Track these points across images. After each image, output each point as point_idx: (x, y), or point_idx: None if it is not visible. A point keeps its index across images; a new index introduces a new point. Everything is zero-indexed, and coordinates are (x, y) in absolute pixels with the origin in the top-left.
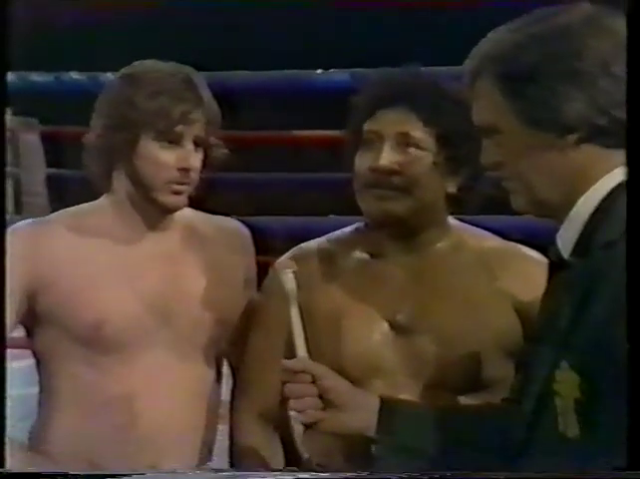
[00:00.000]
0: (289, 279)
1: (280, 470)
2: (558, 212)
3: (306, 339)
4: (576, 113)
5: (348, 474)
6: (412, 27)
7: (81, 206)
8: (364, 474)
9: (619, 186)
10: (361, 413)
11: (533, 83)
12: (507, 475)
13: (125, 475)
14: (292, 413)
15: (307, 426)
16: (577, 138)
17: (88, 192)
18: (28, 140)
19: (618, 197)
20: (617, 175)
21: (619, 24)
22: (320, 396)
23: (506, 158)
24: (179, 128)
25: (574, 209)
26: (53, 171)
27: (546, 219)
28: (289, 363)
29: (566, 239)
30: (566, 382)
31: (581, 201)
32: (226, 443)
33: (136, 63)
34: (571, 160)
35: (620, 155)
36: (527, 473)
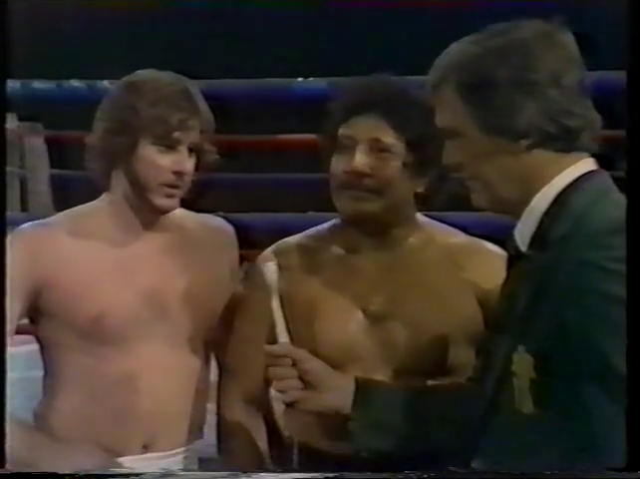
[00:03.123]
0: (271, 271)
1: (279, 470)
2: (516, 208)
3: (287, 326)
4: (528, 120)
5: (347, 474)
6: (385, 38)
7: (80, 207)
8: (363, 474)
9: (571, 184)
10: (337, 393)
11: (491, 92)
12: (506, 475)
13: (125, 475)
14: (274, 393)
15: (288, 405)
16: (529, 143)
17: (88, 191)
18: (33, 143)
19: (570, 194)
20: (569, 174)
21: (569, 40)
22: (300, 378)
23: (466, 159)
24: (176, 134)
25: (530, 205)
26: (56, 171)
27: (505, 214)
28: (272, 348)
29: (523, 233)
30: (522, 364)
31: (536, 198)
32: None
33: (137, 72)
34: (525, 162)
35: (570, 158)
36: (527, 473)
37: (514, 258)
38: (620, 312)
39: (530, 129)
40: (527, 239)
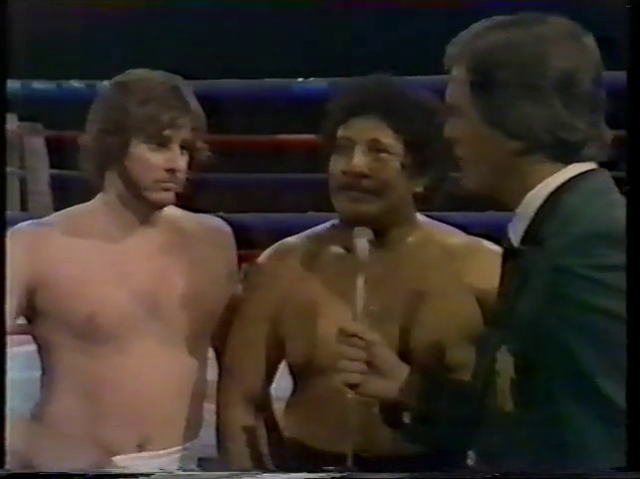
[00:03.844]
0: (364, 247)
1: (278, 471)
2: (509, 197)
3: (365, 307)
4: (523, 124)
5: (347, 474)
6: (385, 38)
7: (76, 207)
8: (369, 474)
9: (565, 183)
10: (401, 382)
11: (494, 85)
12: (506, 474)
13: (127, 475)
14: (340, 378)
15: (350, 387)
16: (521, 146)
17: (88, 191)
18: (33, 143)
19: (563, 193)
20: (565, 173)
21: (590, 46)
22: (367, 362)
23: (464, 139)
24: (167, 132)
25: (523, 202)
26: (56, 171)
27: (496, 201)
28: (347, 325)
29: (517, 229)
30: (504, 363)
31: (529, 195)
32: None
33: (128, 71)
34: (518, 160)
35: (564, 166)
36: (528, 473)
37: (508, 254)
38: (593, 320)
39: (523, 133)
40: (519, 236)
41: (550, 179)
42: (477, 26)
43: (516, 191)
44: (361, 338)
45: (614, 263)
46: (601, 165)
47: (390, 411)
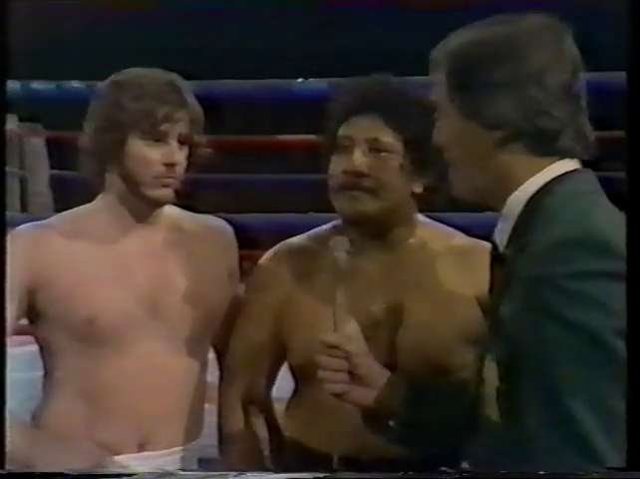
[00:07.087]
0: (342, 258)
1: (278, 471)
2: (496, 201)
3: (346, 317)
4: (501, 113)
5: (347, 474)
6: (385, 38)
7: (77, 209)
8: (363, 474)
9: (543, 187)
10: (385, 389)
11: (469, 78)
12: (507, 474)
13: (127, 475)
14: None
15: (336, 396)
16: (500, 136)
17: (88, 192)
18: (33, 144)
19: (541, 198)
20: (543, 176)
21: (565, 38)
22: (350, 372)
23: (448, 140)
24: (164, 126)
25: (507, 205)
26: (56, 172)
27: (487, 206)
28: (326, 338)
29: (502, 235)
30: (490, 370)
31: (509, 200)
32: (215, 420)
33: (124, 70)
34: (500, 157)
35: (547, 160)
36: (528, 473)
37: (494, 258)
38: (563, 333)
39: (500, 122)
40: (505, 240)
41: (532, 179)
42: (457, 32)
43: (501, 191)
44: (341, 349)
45: (589, 271)
46: (585, 164)
47: (374, 417)
